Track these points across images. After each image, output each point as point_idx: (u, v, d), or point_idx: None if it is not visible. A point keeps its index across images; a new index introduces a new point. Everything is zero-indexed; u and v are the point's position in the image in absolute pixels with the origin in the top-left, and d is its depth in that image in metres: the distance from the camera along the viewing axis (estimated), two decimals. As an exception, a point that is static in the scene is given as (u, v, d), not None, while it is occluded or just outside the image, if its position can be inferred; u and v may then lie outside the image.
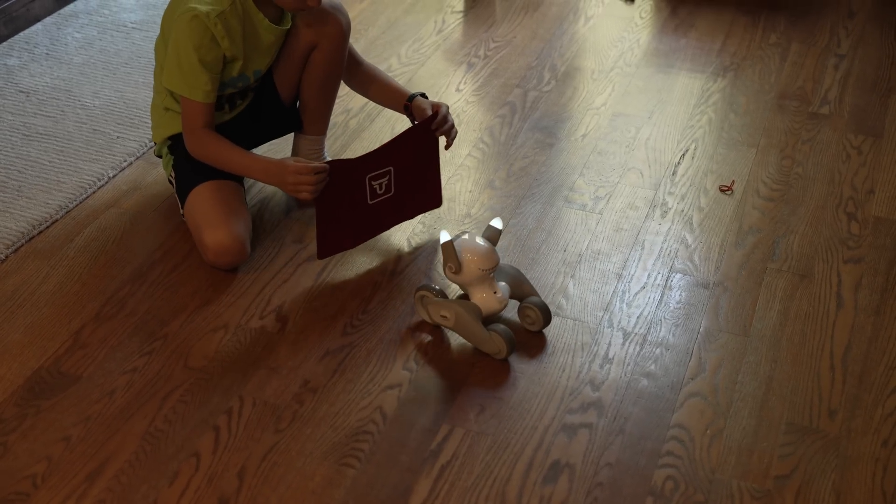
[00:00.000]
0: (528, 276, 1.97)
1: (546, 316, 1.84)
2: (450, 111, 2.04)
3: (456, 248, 1.80)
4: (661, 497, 1.56)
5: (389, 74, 2.35)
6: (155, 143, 2.10)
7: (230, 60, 1.92)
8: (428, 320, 1.86)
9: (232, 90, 2.01)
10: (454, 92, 2.58)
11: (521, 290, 1.87)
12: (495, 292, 1.82)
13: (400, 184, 1.99)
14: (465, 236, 1.83)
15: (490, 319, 1.84)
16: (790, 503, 1.56)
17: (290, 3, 1.91)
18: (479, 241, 1.82)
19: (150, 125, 2.29)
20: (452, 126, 2.03)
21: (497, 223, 1.87)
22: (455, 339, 1.84)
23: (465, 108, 2.51)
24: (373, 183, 1.94)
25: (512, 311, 1.89)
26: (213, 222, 1.93)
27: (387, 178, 1.96)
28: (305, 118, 2.13)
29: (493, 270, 1.81)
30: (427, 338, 1.83)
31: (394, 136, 2.01)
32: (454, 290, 1.94)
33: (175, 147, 2.02)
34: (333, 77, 2.09)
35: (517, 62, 2.71)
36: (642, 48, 2.80)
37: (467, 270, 1.80)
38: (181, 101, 1.93)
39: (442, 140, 2.06)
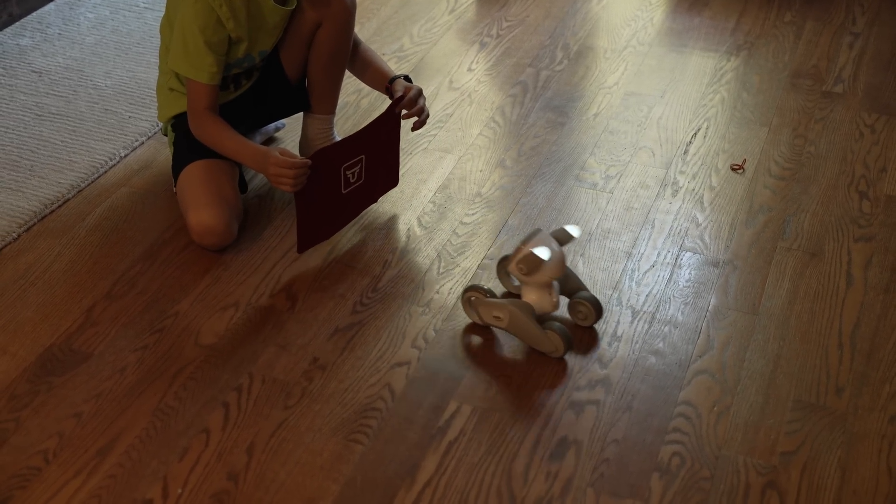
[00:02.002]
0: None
1: (598, 310, 1.79)
2: (423, 94, 2.02)
3: (543, 261, 1.71)
4: (668, 473, 1.56)
5: (396, 55, 2.36)
6: (161, 123, 2.11)
7: (235, 42, 1.93)
8: (478, 322, 1.80)
9: (237, 70, 2.01)
10: (466, 71, 2.57)
11: (570, 285, 1.82)
12: (550, 295, 1.77)
13: (369, 170, 1.99)
14: (540, 236, 1.76)
15: (541, 318, 1.78)
16: (795, 479, 1.56)
17: None
18: (555, 246, 1.74)
19: (161, 105, 2.30)
20: (423, 109, 2.02)
21: (573, 230, 1.80)
22: (464, 319, 1.84)
23: (477, 88, 2.51)
24: (346, 172, 1.94)
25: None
26: (198, 202, 1.93)
27: (359, 166, 1.96)
28: (313, 97, 2.13)
29: (557, 279, 1.76)
30: (476, 339, 1.80)
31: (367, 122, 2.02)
32: (493, 283, 1.89)
33: (177, 125, 2.03)
34: (340, 56, 2.09)
35: (529, 41, 2.70)
36: (656, 27, 2.79)
37: (538, 275, 1.73)
38: (186, 82, 1.94)
39: (409, 121, 2.04)
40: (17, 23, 2.63)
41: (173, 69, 1.94)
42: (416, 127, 2.05)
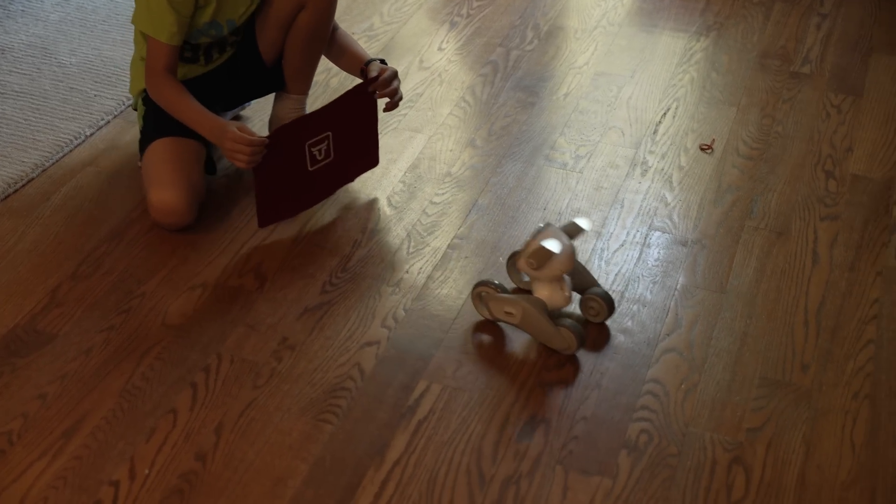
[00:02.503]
0: (506, 234, 1.98)
1: (610, 306, 1.77)
2: (398, 77, 2.01)
3: (553, 253, 1.69)
4: (636, 450, 1.57)
5: (366, 34, 2.33)
6: (132, 98, 2.09)
7: (202, 5, 1.90)
8: (489, 317, 1.77)
9: (206, 39, 1.98)
10: (437, 51, 2.56)
11: (583, 280, 1.79)
12: (562, 289, 1.73)
13: (339, 148, 1.98)
14: (549, 230, 1.74)
15: (553, 314, 1.75)
16: (761, 454, 1.58)
17: None
18: (564, 240, 1.72)
19: (128, 84, 2.27)
20: (396, 90, 2.01)
21: (584, 223, 1.77)
22: (434, 299, 1.84)
23: (447, 68, 2.50)
24: (312, 150, 1.93)
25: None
26: (161, 180, 1.91)
27: (325, 143, 1.95)
28: (288, 78, 2.11)
29: (567, 272, 1.74)
30: (488, 338, 1.81)
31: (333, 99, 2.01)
32: (501, 276, 1.87)
33: (148, 99, 2.01)
34: (319, 38, 2.07)
35: (500, 21, 2.70)
36: (626, 7, 2.79)
37: (548, 269, 1.71)
38: (147, 42, 1.91)
39: (383, 102, 2.03)
40: (-21, -1, 2.59)
41: (134, 24, 1.92)
42: (388, 108, 2.04)
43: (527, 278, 1.82)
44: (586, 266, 1.90)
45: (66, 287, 1.82)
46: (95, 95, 2.29)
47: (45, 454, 1.53)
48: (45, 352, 1.69)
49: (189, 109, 1.90)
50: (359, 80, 2.07)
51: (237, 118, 2.26)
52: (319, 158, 1.96)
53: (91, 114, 2.23)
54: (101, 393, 1.63)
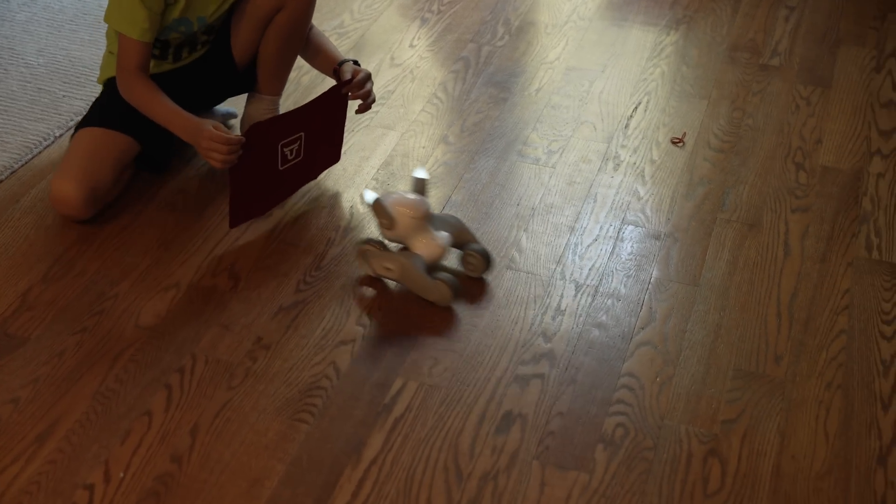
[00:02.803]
0: (480, 230, 1.98)
1: (487, 261, 1.86)
2: (371, 79, 2.02)
3: (384, 203, 1.80)
4: (612, 444, 1.58)
5: (337, 31, 2.32)
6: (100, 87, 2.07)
7: (171, 2, 1.89)
8: (372, 274, 1.86)
9: (177, 36, 1.97)
10: (408, 48, 2.56)
11: (462, 237, 1.88)
12: (433, 240, 1.82)
13: (309, 148, 1.98)
14: (392, 192, 1.84)
15: (433, 268, 1.84)
16: (736, 446, 1.59)
17: None
18: (406, 193, 1.83)
19: (96, 84, 2.25)
20: (369, 93, 2.01)
21: (421, 173, 1.86)
22: (407, 295, 1.84)
23: (418, 64, 2.50)
24: (284, 150, 1.92)
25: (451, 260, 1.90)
26: (67, 170, 1.90)
27: (297, 143, 1.94)
28: (261, 77, 2.10)
29: (426, 218, 1.82)
30: (371, 291, 1.83)
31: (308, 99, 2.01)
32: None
33: (107, 86, 1.99)
34: (296, 39, 2.06)
35: (471, 17, 2.69)
36: (596, 2, 2.79)
37: (401, 223, 1.80)
38: (118, 38, 1.90)
39: (355, 103, 2.04)
40: (-56, 0, 2.55)
41: (106, 22, 1.91)
42: (360, 110, 2.04)
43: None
44: (561, 260, 1.91)
45: (37, 290, 1.81)
46: (64, 96, 2.27)
47: (19, 459, 1.51)
48: (17, 356, 1.68)
49: (162, 108, 1.89)
50: (331, 80, 2.06)
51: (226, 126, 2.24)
52: (290, 158, 1.95)
53: (60, 115, 2.21)
54: (74, 396, 1.61)
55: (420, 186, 1.86)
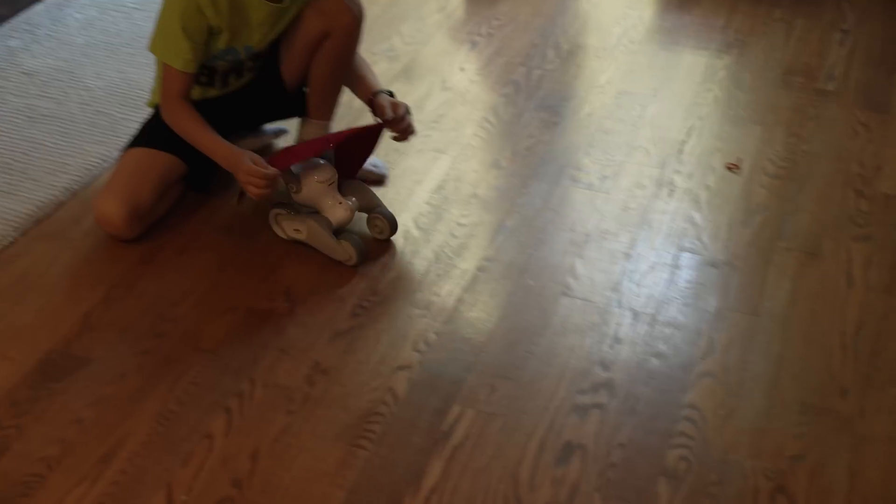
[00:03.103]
0: (534, 256, 1.98)
1: (392, 224, 1.98)
2: (409, 111, 2.03)
3: (293, 170, 1.91)
4: (675, 477, 1.56)
5: (387, 55, 2.33)
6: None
7: (216, 32, 1.91)
8: (284, 237, 1.97)
9: (223, 64, 1.99)
10: (458, 71, 2.56)
11: (370, 203, 1.99)
12: (340, 203, 1.93)
13: (336, 159, 2.02)
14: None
15: (340, 231, 1.95)
16: (804, 483, 1.56)
17: None
18: (315, 159, 1.94)
19: (151, 106, 2.28)
20: (409, 126, 2.03)
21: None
22: (464, 321, 1.84)
23: (469, 88, 2.50)
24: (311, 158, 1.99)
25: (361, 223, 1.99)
26: (111, 189, 1.94)
27: (325, 155, 2.00)
28: (312, 104, 2.12)
29: (331, 182, 1.93)
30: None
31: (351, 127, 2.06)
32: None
33: (156, 109, 2.03)
34: (344, 66, 2.08)
35: (520, 40, 2.70)
36: (646, 25, 2.79)
37: (307, 186, 1.91)
38: (162, 68, 1.93)
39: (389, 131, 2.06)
40: (6, 24, 2.60)
41: (151, 52, 1.93)
42: (399, 139, 2.05)
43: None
44: (617, 288, 1.91)
45: (99, 311, 1.82)
46: (122, 118, 2.30)
47: (84, 480, 1.53)
48: (81, 376, 1.69)
49: (203, 137, 1.92)
50: (368, 105, 2.09)
51: (264, 151, 2.25)
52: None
53: (118, 136, 2.24)
54: (137, 418, 1.63)
55: (329, 153, 1.96)
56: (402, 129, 2.02)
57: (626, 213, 2.11)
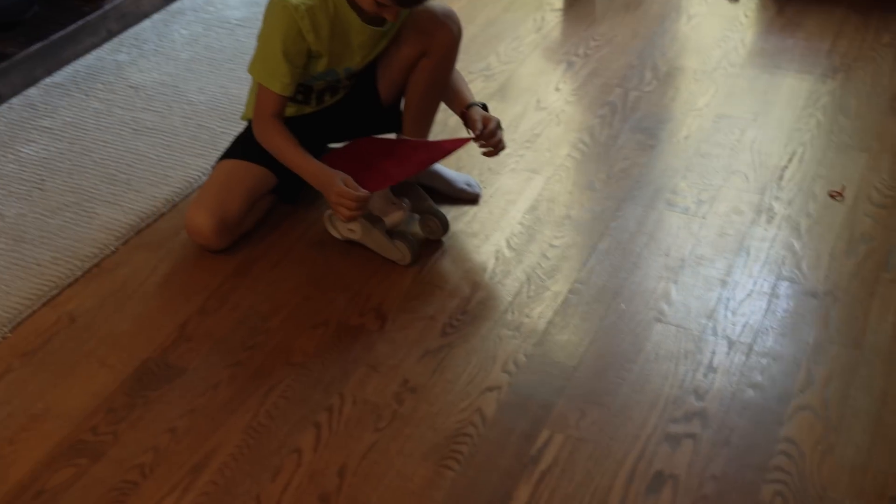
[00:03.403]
0: (628, 280, 1.95)
1: (445, 224, 2.02)
2: (500, 126, 2.00)
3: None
4: (770, 513, 1.52)
5: (483, 74, 2.32)
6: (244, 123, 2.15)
7: (315, 56, 1.93)
8: (338, 237, 2.01)
9: (321, 83, 2.01)
10: (553, 91, 2.55)
11: (422, 203, 2.03)
12: (394, 203, 1.98)
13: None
14: None
15: (394, 231, 1.99)
16: (908, 526, 1.51)
17: (370, 9, 1.90)
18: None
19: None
20: (500, 141, 2.01)
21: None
22: (555, 344, 1.82)
23: (564, 108, 2.49)
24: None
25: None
26: (202, 200, 1.97)
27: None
28: (407, 121, 2.12)
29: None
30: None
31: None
32: None
33: (249, 122, 2.06)
34: (441, 84, 2.08)
35: (618, 61, 2.67)
36: (747, 48, 2.74)
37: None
38: (258, 87, 1.95)
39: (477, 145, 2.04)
40: (115, 38, 2.68)
41: (250, 74, 1.96)
42: (488, 155, 2.04)
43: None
44: (712, 315, 1.86)
45: (194, 321, 1.86)
46: (222, 132, 2.35)
47: (175, 489, 1.55)
48: (176, 385, 1.73)
49: (294, 156, 1.94)
50: (461, 118, 2.07)
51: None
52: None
53: (218, 150, 2.28)
54: (228, 429, 1.65)
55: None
56: (493, 144, 2.01)
57: (722, 239, 2.07)
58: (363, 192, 1.87)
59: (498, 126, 2.01)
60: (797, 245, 2.05)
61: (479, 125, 1.99)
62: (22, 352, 1.79)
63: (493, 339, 1.83)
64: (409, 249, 1.95)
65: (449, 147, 1.97)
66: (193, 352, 1.79)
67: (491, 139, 2.00)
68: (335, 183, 1.87)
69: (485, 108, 2.05)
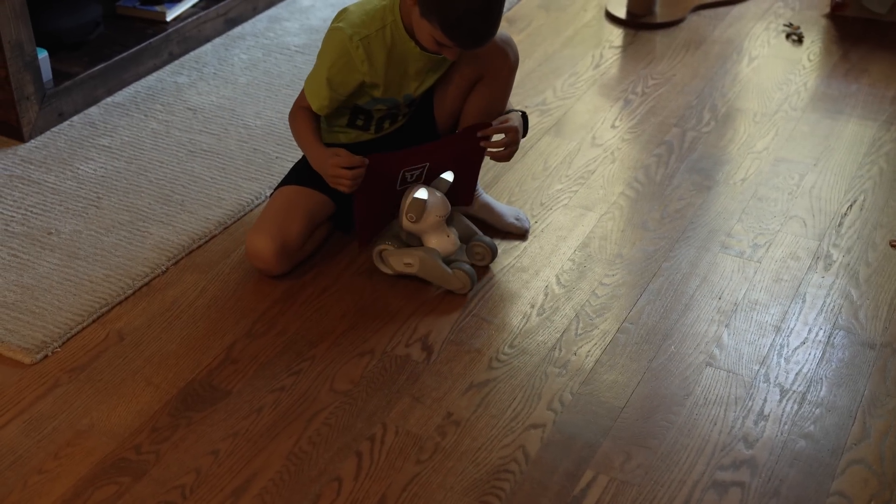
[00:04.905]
0: (679, 323, 1.92)
1: (493, 251, 2.04)
2: (517, 133, 1.98)
3: (419, 197, 1.92)
4: (820, 569, 1.47)
5: (539, 108, 2.31)
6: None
7: (370, 85, 1.94)
8: (390, 272, 1.99)
9: (381, 109, 2.02)
10: (609, 128, 2.53)
11: (468, 232, 2.05)
12: (448, 235, 1.97)
13: (431, 178, 2.01)
14: (416, 186, 1.95)
15: (448, 260, 1.99)
16: (966, 591, 1.45)
17: (430, 48, 1.90)
18: (434, 192, 1.96)
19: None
20: (506, 146, 1.97)
21: (447, 176, 2.00)
22: (602, 384, 1.79)
23: (619, 146, 2.47)
24: (406, 173, 1.97)
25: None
26: (262, 226, 1.98)
27: (420, 170, 1.99)
28: (463, 145, 2.12)
29: (446, 217, 1.97)
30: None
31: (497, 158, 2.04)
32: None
33: None
34: (496, 109, 2.08)
35: (676, 101, 2.65)
36: (809, 92, 2.70)
37: (426, 218, 1.94)
38: (305, 89, 1.97)
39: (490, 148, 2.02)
40: (176, 61, 2.72)
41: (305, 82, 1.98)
42: (495, 157, 2.01)
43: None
44: (765, 362, 1.82)
45: (241, 344, 1.86)
46: (277, 157, 2.36)
47: (214, 512, 1.55)
48: (220, 408, 1.73)
49: (304, 137, 1.96)
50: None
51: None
52: (409, 181, 1.99)
53: (272, 175, 2.30)
54: (269, 454, 1.64)
55: (444, 186, 1.99)
56: (494, 144, 1.98)
57: (778, 285, 2.03)
58: (357, 157, 1.86)
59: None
60: (855, 294, 2.00)
61: (496, 121, 1.98)
62: (70, 367, 1.80)
63: (540, 375, 1.81)
64: (469, 277, 1.96)
65: (453, 139, 2.00)
66: (238, 374, 1.79)
67: (497, 142, 1.97)
68: (329, 158, 1.88)
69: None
